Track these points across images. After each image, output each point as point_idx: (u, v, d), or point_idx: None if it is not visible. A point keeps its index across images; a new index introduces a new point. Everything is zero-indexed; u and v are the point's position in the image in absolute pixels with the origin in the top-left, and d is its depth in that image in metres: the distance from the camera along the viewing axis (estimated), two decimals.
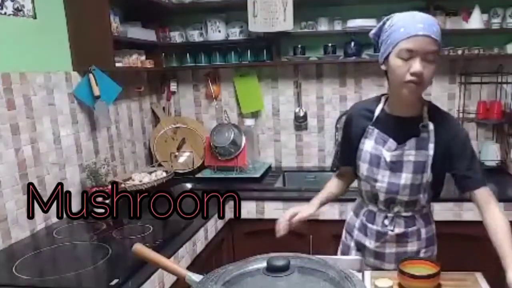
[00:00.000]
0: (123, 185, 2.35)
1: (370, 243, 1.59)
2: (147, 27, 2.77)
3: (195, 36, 2.91)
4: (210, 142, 2.87)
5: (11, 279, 1.50)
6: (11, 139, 1.83)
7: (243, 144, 2.87)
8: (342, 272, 0.89)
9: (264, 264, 0.87)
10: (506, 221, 1.40)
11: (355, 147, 1.56)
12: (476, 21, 2.59)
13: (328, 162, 3.05)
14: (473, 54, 2.69)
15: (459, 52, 2.69)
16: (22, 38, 1.91)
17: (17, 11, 1.87)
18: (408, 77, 1.33)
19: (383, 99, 1.55)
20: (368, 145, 1.51)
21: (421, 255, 1.57)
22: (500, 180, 2.57)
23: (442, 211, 2.29)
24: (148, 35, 2.74)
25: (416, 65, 1.31)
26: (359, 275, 1.38)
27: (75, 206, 2.22)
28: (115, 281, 1.43)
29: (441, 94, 2.89)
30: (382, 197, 1.53)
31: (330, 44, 2.80)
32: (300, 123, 3.05)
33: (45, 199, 2.00)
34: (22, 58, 1.92)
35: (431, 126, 1.46)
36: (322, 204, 1.68)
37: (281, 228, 1.62)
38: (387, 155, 1.47)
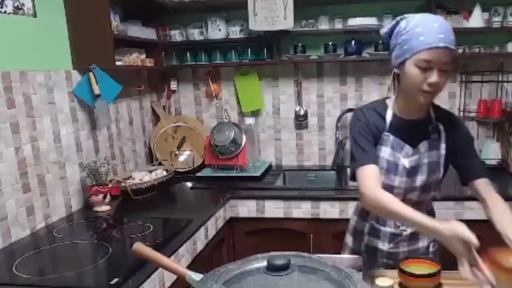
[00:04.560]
0: (123, 184, 2.34)
1: (383, 245, 1.58)
2: (147, 25, 2.77)
3: (195, 34, 2.91)
4: (210, 141, 2.87)
5: (11, 278, 1.50)
6: (11, 138, 1.82)
7: (243, 143, 2.86)
8: (343, 271, 0.88)
9: (265, 263, 0.87)
10: (506, 204, 1.41)
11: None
12: (476, 19, 2.58)
13: (329, 161, 3.05)
14: (474, 53, 2.68)
15: (460, 50, 2.68)
16: (22, 37, 1.91)
17: (17, 9, 1.87)
18: (425, 87, 1.34)
19: (389, 103, 1.52)
20: (384, 152, 1.48)
21: (430, 249, 1.60)
22: (501, 179, 2.56)
23: (443, 210, 2.28)
24: (148, 33, 2.74)
25: (434, 76, 1.31)
26: (360, 274, 1.38)
27: (75, 205, 2.22)
28: (115, 280, 1.43)
29: (442, 92, 2.85)
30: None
31: (330, 43, 2.80)
32: (301, 121, 3.05)
33: (44, 198, 2.00)
34: (22, 57, 1.92)
35: (440, 127, 1.49)
36: None
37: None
38: (406, 162, 1.47)
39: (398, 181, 1.49)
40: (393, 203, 1.36)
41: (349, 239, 1.72)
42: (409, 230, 1.55)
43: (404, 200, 1.50)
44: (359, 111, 1.53)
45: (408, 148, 1.48)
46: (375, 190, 1.39)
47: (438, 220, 1.31)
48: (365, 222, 1.63)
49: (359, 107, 1.58)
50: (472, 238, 1.23)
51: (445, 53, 1.30)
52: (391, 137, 1.48)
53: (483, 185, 1.48)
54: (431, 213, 1.61)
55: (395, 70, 1.43)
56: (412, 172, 1.48)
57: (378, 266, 1.60)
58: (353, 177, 1.50)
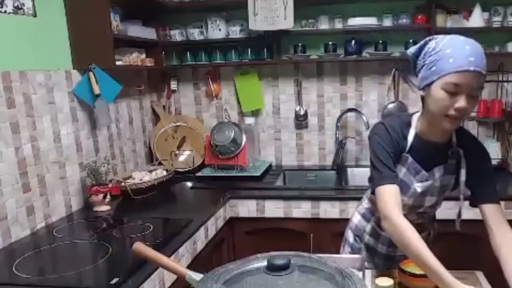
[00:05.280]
0: (123, 184, 2.34)
1: (382, 248, 1.61)
2: (148, 25, 2.77)
3: (195, 34, 2.91)
4: (210, 141, 2.87)
5: (11, 278, 1.50)
6: (11, 138, 1.82)
7: (243, 143, 2.86)
8: (343, 270, 0.88)
9: (265, 263, 0.87)
10: None
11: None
12: (477, 19, 2.58)
13: (329, 160, 3.05)
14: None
15: None
16: (22, 37, 1.91)
17: (17, 9, 1.87)
18: (452, 112, 1.27)
19: (414, 122, 1.45)
20: (400, 171, 1.45)
21: None
22: (501, 179, 2.56)
23: (442, 210, 2.27)
24: (148, 33, 2.74)
25: (462, 102, 1.25)
26: (360, 274, 1.38)
27: (75, 204, 2.22)
28: (115, 280, 1.43)
29: None
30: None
31: (330, 43, 2.80)
32: (301, 121, 3.05)
33: (44, 198, 2.00)
34: (22, 57, 1.92)
35: (461, 153, 1.43)
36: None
37: None
38: (418, 186, 1.45)
39: (407, 200, 1.48)
40: (414, 239, 1.29)
41: (350, 235, 1.74)
42: None
43: (408, 213, 1.50)
44: (382, 126, 1.46)
45: (423, 174, 1.44)
46: (398, 217, 1.34)
47: (457, 279, 1.23)
48: (367, 223, 1.65)
49: (382, 121, 1.51)
50: None
51: (475, 78, 1.23)
52: (410, 159, 1.43)
53: (492, 210, 1.40)
54: (433, 220, 1.65)
55: (421, 93, 1.36)
56: (422, 194, 1.48)
57: (375, 265, 1.61)
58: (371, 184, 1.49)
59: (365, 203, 1.70)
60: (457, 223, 1.51)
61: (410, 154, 1.43)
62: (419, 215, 1.56)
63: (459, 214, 1.50)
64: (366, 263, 1.54)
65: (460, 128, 1.45)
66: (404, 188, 1.45)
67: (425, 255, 1.26)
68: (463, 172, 1.42)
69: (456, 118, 1.29)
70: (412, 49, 1.38)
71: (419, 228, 1.47)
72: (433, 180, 1.45)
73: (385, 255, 1.60)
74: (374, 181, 1.43)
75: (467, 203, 1.99)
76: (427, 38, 1.34)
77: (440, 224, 2.24)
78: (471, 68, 1.22)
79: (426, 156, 1.42)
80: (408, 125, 1.45)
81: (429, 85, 1.30)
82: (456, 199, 2.32)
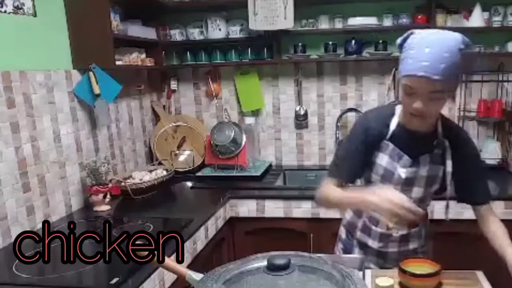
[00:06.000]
0: (123, 184, 2.34)
1: (373, 244, 1.60)
2: (148, 25, 2.77)
3: (195, 34, 2.91)
4: (210, 141, 2.87)
5: (11, 278, 1.50)
6: (11, 138, 1.82)
7: (243, 143, 2.86)
8: (343, 270, 0.88)
9: (265, 263, 0.87)
10: (504, 227, 1.45)
11: (366, 159, 1.50)
12: (477, 19, 2.58)
13: (329, 160, 3.05)
14: (474, 52, 2.68)
15: None
16: (22, 36, 1.91)
17: (17, 9, 1.87)
18: (412, 111, 1.31)
19: (397, 111, 1.48)
20: (382, 160, 1.48)
21: (419, 249, 1.61)
22: (501, 179, 2.56)
23: (442, 210, 2.28)
24: (148, 33, 2.74)
25: (418, 104, 1.28)
26: (360, 273, 1.38)
27: (76, 204, 2.22)
28: (115, 280, 1.43)
29: None
30: None
31: (330, 42, 2.80)
32: (301, 121, 3.05)
33: (44, 198, 2.00)
34: (22, 56, 1.91)
35: (446, 143, 1.44)
36: None
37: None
38: (402, 172, 1.45)
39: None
40: (334, 190, 1.47)
41: (342, 232, 1.75)
42: (400, 233, 1.56)
43: None
44: (364, 117, 1.53)
45: (406, 159, 1.45)
46: (322, 187, 1.50)
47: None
48: (358, 218, 1.65)
49: (367, 111, 1.57)
50: (401, 198, 1.28)
51: (427, 83, 1.23)
52: (391, 146, 1.46)
53: (485, 212, 1.49)
54: (425, 217, 1.61)
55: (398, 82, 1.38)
56: (408, 183, 1.47)
57: (368, 261, 1.62)
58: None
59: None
60: (446, 215, 1.54)
61: (392, 142, 1.45)
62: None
63: (447, 205, 1.53)
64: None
65: (445, 120, 1.48)
66: (388, 175, 1.47)
67: (342, 195, 1.45)
68: (449, 163, 1.44)
69: (418, 116, 1.32)
70: (398, 40, 1.39)
71: (411, 225, 1.52)
72: (418, 168, 1.45)
73: (377, 251, 1.60)
74: (330, 169, 1.58)
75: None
76: (410, 32, 1.35)
77: (440, 224, 2.24)
78: (419, 74, 1.23)
79: (410, 144, 1.44)
80: (392, 114, 1.48)
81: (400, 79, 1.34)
82: (448, 199, 2.33)
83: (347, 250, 1.70)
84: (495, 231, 1.43)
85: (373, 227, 1.59)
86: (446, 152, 1.45)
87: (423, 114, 1.31)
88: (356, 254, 1.64)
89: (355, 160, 1.50)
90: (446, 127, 1.46)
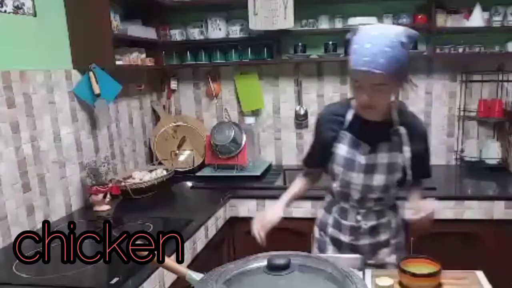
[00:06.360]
0: (123, 184, 2.34)
1: (345, 238, 1.64)
2: (148, 25, 2.77)
3: (195, 34, 2.91)
4: (210, 141, 2.87)
5: (11, 278, 1.50)
6: (11, 138, 1.82)
7: (243, 143, 2.86)
8: (343, 270, 0.88)
9: (265, 263, 0.87)
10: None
11: (327, 150, 1.58)
12: (477, 19, 2.58)
13: None
14: (474, 52, 2.68)
15: (460, 50, 2.69)
16: (22, 36, 1.91)
17: (17, 9, 1.87)
18: (359, 101, 1.42)
19: (353, 103, 1.55)
20: (342, 150, 1.55)
21: (391, 241, 1.64)
22: (501, 179, 2.57)
23: (443, 210, 2.29)
24: (148, 33, 2.73)
25: (364, 96, 1.38)
26: (360, 273, 1.38)
27: (76, 204, 2.23)
28: (115, 280, 1.43)
29: (442, 92, 2.88)
30: (355, 196, 1.58)
31: (330, 42, 2.79)
32: (301, 121, 3.05)
33: (44, 198, 2.00)
34: (22, 56, 1.92)
35: (402, 130, 1.50)
36: (288, 205, 1.74)
37: (261, 240, 1.60)
38: (362, 159, 1.52)
39: (356, 177, 1.54)
40: (290, 186, 1.76)
41: (316, 231, 1.78)
42: (369, 224, 1.60)
43: (365, 198, 1.57)
44: (322, 110, 1.66)
45: (365, 146, 1.51)
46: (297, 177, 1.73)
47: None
48: (329, 215, 1.69)
49: (323, 109, 1.68)
50: (263, 219, 1.64)
51: (369, 76, 1.32)
52: (349, 135, 1.53)
53: (416, 192, 1.64)
54: (393, 208, 1.66)
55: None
56: (368, 169, 1.52)
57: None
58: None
59: (327, 198, 1.75)
60: (407, 204, 1.65)
61: (350, 132, 1.53)
62: (376, 202, 1.59)
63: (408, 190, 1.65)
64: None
65: (401, 110, 1.54)
66: (349, 164, 1.54)
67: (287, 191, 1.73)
68: (406, 149, 1.51)
69: (366, 107, 1.42)
70: (347, 36, 1.48)
71: (380, 215, 1.60)
72: (378, 155, 1.51)
73: (349, 245, 1.63)
74: (303, 159, 1.79)
75: (467, 203, 2.01)
76: (358, 28, 1.43)
77: (441, 224, 2.25)
78: (363, 68, 1.32)
79: (367, 133, 1.51)
80: (349, 106, 1.56)
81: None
82: (456, 198, 2.34)
83: (321, 248, 1.72)
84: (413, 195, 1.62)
85: (343, 221, 1.63)
86: (403, 139, 1.51)
87: (370, 106, 1.41)
88: (330, 251, 1.68)
89: (316, 149, 1.67)
90: (402, 115, 1.53)
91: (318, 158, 1.65)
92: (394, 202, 1.68)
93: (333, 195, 1.67)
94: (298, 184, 1.78)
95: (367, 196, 1.57)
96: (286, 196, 1.72)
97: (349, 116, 1.54)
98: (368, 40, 1.33)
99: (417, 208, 1.48)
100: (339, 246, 1.66)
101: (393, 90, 1.42)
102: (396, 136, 1.51)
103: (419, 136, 1.55)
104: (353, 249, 1.62)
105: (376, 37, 1.33)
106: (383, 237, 1.62)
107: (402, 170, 1.54)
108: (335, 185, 1.61)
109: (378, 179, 1.53)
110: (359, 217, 1.60)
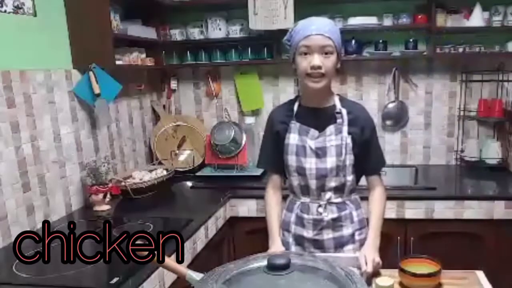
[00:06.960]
0: (123, 183, 2.34)
1: (308, 233, 1.65)
2: (148, 24, 2.77)
3: (195, 34, 2.91)
4: (210, 140, 2.87)
5: (11, 277, 1.50)
6: (11, 137, 1.82)
7: (243, 142, 2.86)
8: (343, 270, 0.88)
9: (265, 263, 0.87)
10: (384, 197, 1.68)
11: (280, 144, 1.66)
12: (477, 19, 2.58)
13: None
14: (474, 52, 2.68)
15: (460, 50, 2.69)
16: (22, 36, 1.91)
17: (17, 8, 1.87)
18: (309, 70, 1.52)
19: (300, 97, 1.69)
20: (292, 139, 1.63)
21: (356, 237, 1.66)
22: (501, 178, 2.57)
23: (443, 210, 2.29)
24: (148, 32, 2.73)
25: (315, 60, 1.50)
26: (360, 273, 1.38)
27: (76, 204, 2.23)
28: (115, 280, 1.43)
29: (442, 92, 2.88)
30: (313, 184, 1.61)
31: None
32: None
33: (44, 198, 2.00)
34: (22, 56, 1.91)
35: (344, 112, 1.62)
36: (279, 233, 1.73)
37: None
38: (312, 143, 1.60)
39: (309, 162, 1.60)
40: (269, 204, 1.74)
41: (280, 233, 1.76)
42: (330, 216, 1.62)
43: (323, 187, 1.62)
44: (271, 111, 1.77)
45: (313, 132, 1.61)
46: (267, 193, 1.76)
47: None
48: (291, 213, 1.70)
49: (272, 111, 1.78)
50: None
51: (318, 39, 1.50)
52: (297, 124, 1.63)
53: (374, 181, 1.69)
54: (355, 202, 1.69)
55: (292, 66, 1.60)
56: (319, 153, 1.60)
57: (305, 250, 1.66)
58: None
59: (288, 198, 1.76)
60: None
61: (298, 120, 1.64)
62: (335, 193, 1.63)
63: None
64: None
65: (343, 98, 1.69)
66: (300, 150, 1.62)
67: (269, 215, 1.72)
68: (345, 129, 1.60)
69: (316, 76, 1.52)
70: (285, 38, 1.62)
71: (341, 207, 1.63)
72: (325, 137, 1.60)
73: (313, 241, 1.64)
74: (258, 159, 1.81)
75: (467, 203, 2.01)
76: (293, 25, 1.60)
77: (441, 224, 2.25)
78: (313, 33, 1.50)
79: (314, 120, 1.62)
80: (295, 100, 1.70)
81: (294, 58, 1.57)
82: (456, 198, 2.34)
83: (285, 248, 1.70)
84: (373, 207, 1.65)
85: (305, 216, 1.65)
86: (344, 120, 1.61)
87: (320, 69, 1.51)
88: (293, 250, 1.67)
89: (268, 147, 1.74)
90: (343, 101, 1.66)
91: (273, 156, 1.71)
92: (355, 197, 1.71)
93: (294, 192, 1.70)
94: (274, 206, 1.74)
95: (324, 184, 1.61)
96: (275, 228, 1.69)
97: (295, 107, 1.66)
98: (310, 22, 1.54)
99: (362, 263, 1.46)
100: (302, 243, 1.66)
101: (335, 62, 1.54)
102: (340, 118, 1.61)
103: (362, 120, 1.64)
104: (317, 244, 1.64)
105: (317, 19, 1.56)
106: (346, 231, 1.64)
107: (351, 151, 1.61)
108: (293, 179, 1.65)
109: (330, 162, 1.59)
110: (320, 209, 1.63)
